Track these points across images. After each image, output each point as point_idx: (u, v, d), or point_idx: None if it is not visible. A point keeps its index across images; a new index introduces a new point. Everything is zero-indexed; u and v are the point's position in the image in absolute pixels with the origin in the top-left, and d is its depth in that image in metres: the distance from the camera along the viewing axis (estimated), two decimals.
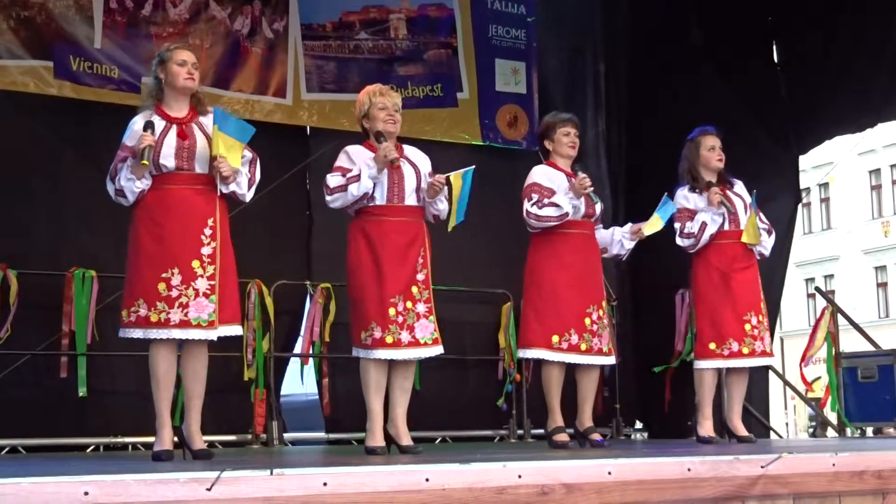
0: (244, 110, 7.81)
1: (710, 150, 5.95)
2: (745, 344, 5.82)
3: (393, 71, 8.42)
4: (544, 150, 5.69)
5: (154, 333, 4.43)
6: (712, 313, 5.89)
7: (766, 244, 6.00)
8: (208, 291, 4.48)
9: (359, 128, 5.18)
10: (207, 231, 4.53)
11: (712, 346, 5.86)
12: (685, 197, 5.97)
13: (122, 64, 7.41)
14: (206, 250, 4.51)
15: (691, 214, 5.92)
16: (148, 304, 4.42)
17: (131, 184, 4.47)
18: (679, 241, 5.95)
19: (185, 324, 4.44)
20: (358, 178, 4.88)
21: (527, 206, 5.46)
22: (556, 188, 5.47)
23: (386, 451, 4.90)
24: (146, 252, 4.47)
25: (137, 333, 4.45)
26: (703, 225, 5.87)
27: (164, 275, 4.43)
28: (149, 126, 4.50)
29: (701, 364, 5.96)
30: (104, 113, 7.20)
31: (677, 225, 5.94)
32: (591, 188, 5.43)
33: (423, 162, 5.14)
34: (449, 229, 5.16)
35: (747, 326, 5.83)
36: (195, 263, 4.47)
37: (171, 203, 4.50)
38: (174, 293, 4.43)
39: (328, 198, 4.96)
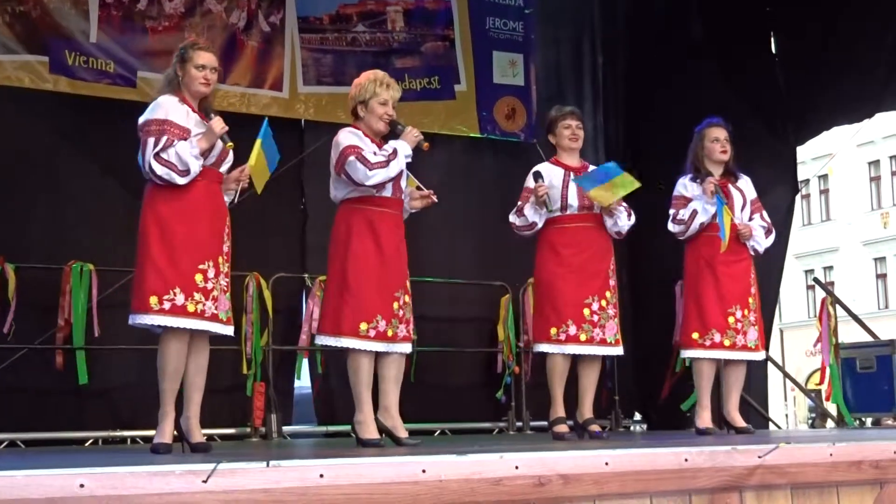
0: (241, 104, 7.82)
1: (714, 142, 5.94)
2: (727, 336, 5.81)
3: (390, 63, 8.40)
4: (551, 145, 5.71)
5: (194, 324, 4.39)
6: (698, 304, 5.89)
7: (760, 241, 5.96)
8: (226, 288, 4.53)
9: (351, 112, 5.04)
10: (226, 229, 4.59)
11: (695, 335, 5.87)
12: (684, 185, 5.98)
13: (118, 58, 7.41)
14: (225, 247, 4.57)
15: (686, 202, 5.92)
16: (185, 294, 4.37)
17: (199, 163, 4.42)
18: (671, 226, 5.97)
19: (215, 317, 4.46)
20: (396, 154, 4.82)
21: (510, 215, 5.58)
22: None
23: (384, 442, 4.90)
24: (183, 241, 4.40)
25: (172, 321, 4.36)
26: (694, 213, 5.86)
27: (201, 266, 4.42)
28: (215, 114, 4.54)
29: (685, 353, 6.02)
30: (100, 107, 7.20)
31: (671, 211, 5.95)
32: (545, 194, 5.41)
33: None
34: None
35: (731, 319, 5.82)
36: (220, 259, 4.51)
37: (205, 196, 4.49)
38: (209, 285, 4.43)
39: (370, 173, 4.74)
